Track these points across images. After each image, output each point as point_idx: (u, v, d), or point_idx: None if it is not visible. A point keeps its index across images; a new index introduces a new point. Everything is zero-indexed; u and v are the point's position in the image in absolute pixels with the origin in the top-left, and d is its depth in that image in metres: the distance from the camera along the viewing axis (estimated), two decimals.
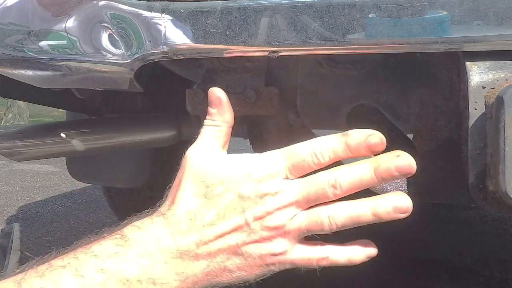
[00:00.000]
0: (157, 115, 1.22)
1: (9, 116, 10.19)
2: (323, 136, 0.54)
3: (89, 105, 1.25)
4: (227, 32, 0.63)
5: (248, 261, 0.54)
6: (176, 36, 0.65)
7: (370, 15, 0.58)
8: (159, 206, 0.57)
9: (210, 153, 0.58)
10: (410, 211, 0.52)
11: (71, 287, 0.49)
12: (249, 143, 0.78)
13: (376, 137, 0.52)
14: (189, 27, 0.64)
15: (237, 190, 0.53)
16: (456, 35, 0.58)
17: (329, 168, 0.54)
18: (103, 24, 0.69)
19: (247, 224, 0.53)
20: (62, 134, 1.08)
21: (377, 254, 0.58)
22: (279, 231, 0.53)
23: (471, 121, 0.59)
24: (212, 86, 0.80)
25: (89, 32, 0.70)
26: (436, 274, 1.72)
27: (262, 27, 0.62)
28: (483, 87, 0.59)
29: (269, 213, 0.53)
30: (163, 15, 0.65)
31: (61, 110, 1.40)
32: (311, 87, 0.74)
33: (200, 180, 0.55)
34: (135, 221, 0.55)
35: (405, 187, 0.69)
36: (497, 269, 1.78)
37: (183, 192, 0.55)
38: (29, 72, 0.77)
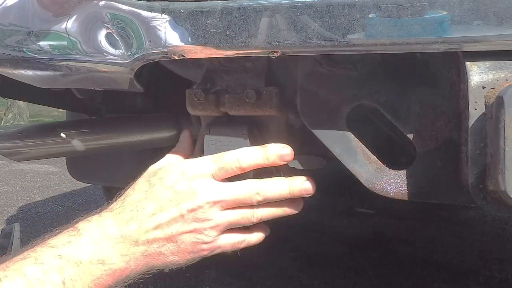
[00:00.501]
0: (157, 115, 1.21)
1: (9, 116, 10.20)
2: (247, 147, 0.71)
3: (89, 105, 1.24)
4: (227, 32, 0.63)
5: (181, 247, 0.64)
6: (176, 36, 0.65)
7: (370, 15, 0.58)
8: (109, 204, 0.68)
9: (166, 158, 0.74)
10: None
11: (33, 272, 0.56)
12: (249, 144, 0.78)
13: (287, 149, 0.70)
14: (189, 27, 0.64)
15: (173, 186, 0.65)
16: (456, 35, 0.58)
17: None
18: (103, 24, 0.69)
19: (182, 215, 0.64)
20: (62, 134, 1.08)
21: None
22: (210, 223, 0.64)
23: (471, 121, 0.59)
24: (212, 86, 0.80)
25: (89, 32, 0.70)
26: (436, 274, 1.72)
27: (262, 27, 0.62)
28: (483, 87, 0.59)
29: (200, 207, 0.64)
30: (163, 15, 0.65)
31: (61, 110, 1.40)
32: (311, 87, 0.74)
33: (146, 180, 0.68)
34: (84, 217, 0.66)
35: (405, 187, 0.69)
36: (497, 269, 1.78)
37: (131, 190, 0.68)
38: (29, 72, 0.77)
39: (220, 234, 0.66)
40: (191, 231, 0.64)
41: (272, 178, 0.69)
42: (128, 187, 0.69)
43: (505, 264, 1.83)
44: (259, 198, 0.67)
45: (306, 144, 0.90)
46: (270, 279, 1.71)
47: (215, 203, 0.64)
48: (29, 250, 0.60)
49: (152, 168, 0.71)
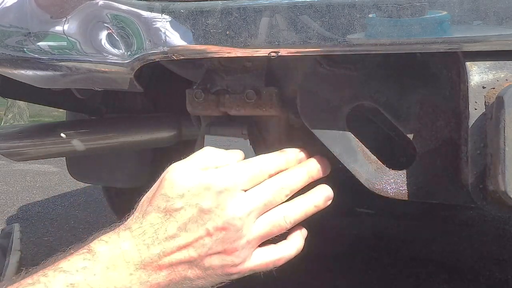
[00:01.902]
0: (157, 115, 1.22)
1: (9, 116, 10.20)
2: (267, 154, 0.66)
3: (89, 105, 1.25)
4: (227, 32, 0.63)
5: (209, 271, 0.58)
6: (176, 36, 0.65)
7: (370, 15, 0.58)
8: (127, 217, 0.60)
9: (185, 166, 0.62)
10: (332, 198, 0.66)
11: None
12: (249, 144, 0.78)
13: (303, 153, 0.68)
14: (189, 27, 0.64)
15: (197, 204, 0.57)
16: (456, 35, 0.58)
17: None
18: (103, 24, 0.69)
19: (209, 235, 0.56)
20: (62, 134, 1.08)
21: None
22: (241, 242, 0.57)
23: (471, 121, 0.59)
24: (212, 86, 0.80)
25: (89, 32, 0.70)
26: (436, 274, 1.72)
27: (262, 27, 0.62)
28: (483, 87, 0.59)
29: (231, 224, 0.56)
30: (163, 15, 0.65)
31: (61, 110, 1.40)
32: (311, 87, 0.74)
33: (162, 194, 0.58)
34: (102, 235, 0.58)
35: (405, 187, 0.69)
36: (497, 269, 1.78)
37: (150, 205, 0.59)
38: (29, 72, 0.77)
39: (251, 254, 0.59)
40: (219, 253, 0.57)
41: (286, 170, 0.65)
42: (146, 198, 0.61)
43: (505, 264, 1.83)
44: (286, 192, 0.61)
45: (306, 144, 0.90)
46: (270, 279, 1.71)
47: (247, 215, 0.57)
48: (40, 273, 0.54)
49: (171, 175, 0.60)
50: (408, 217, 2.40)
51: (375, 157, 0.72)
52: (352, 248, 2.02)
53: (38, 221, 2.65)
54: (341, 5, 0.59)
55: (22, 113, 10.37)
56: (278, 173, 0.63)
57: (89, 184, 2.97)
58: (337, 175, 0.73)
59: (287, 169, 0.64)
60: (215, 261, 0.57)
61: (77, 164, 1.47)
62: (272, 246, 0.62)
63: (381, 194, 0.71)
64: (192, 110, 0.80)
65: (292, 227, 0.63)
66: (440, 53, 0.64)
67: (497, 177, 0.54)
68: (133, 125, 1.15)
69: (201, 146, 0.80)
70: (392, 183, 0.70)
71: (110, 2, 0.68)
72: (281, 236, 0.63)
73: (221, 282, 0.60)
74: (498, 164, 0.54)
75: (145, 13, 0.66)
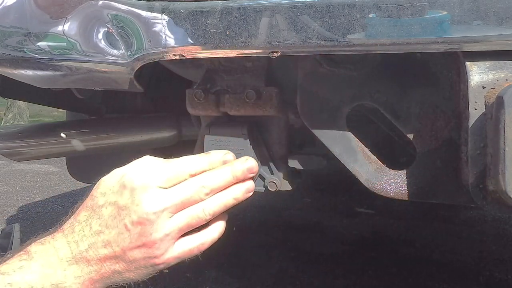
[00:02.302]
0: (157, 115, 1.22)
1: (9, 116, 10.20)
2: (190, 156, 0.67)
3: (89, 105, 1.25)
4: (227, 32, 0.63)
5: (134, 264, 0.61)
6: (176, 36, 0.65)
7: (370, 15, 0.58)
8: (62, 223, 0.64)
9: (115, 170, 0.66)
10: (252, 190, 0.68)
11: None
12: (249, 144, 0.78)
13: (230, 155, 0.68)
14: (189, 27, 0.64)
15: (116, 201, 0.61)
16: (456, 35, 0.58)
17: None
18: (103, 24, 0.68)
19: (127, 230, 0.60)
20: (62, 134, 1.09)
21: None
22: (158, 235, 0.60)
23: (471, 121, 0.59)
24: (212, 86, 0.80)
25: (89, 32, 0.70)
26: (436, 274, 1.72)
27: (262, 27, 0.62)
28: (483, 87, 0.59)
29: (146, 219, 0.59)
30: (163, 15, 0.65)
31: (61, 110, 1.40)
32: (311, 87, 0.74)
33: (90, 194, 0.64)
34: (38, 239, 0.62)
35: (405, 187, 0.69)
36: (497, 269, 1.78)
37: (81, 206, 0.63)
38: (29, 72, 0.77)
39: (172, 245, 0.62)
40: (139, 246, 0.60)
41: (212, 169, 0.66)
42: (80, 202, 0.65)
43: (505, 264, 1.83)
44: (206, 191, 0.63)
45: (306, 144, 0.90)
46: (270, 279, 1.71)
47: (162, 211, 0.60)
48: None
49: (102, 178, 0.65)
50: (408, 217, 2.40)
51: (375, 157, 0.72)
52: (352, 248, 2.02)
53: (38, 221, 2.65)
54: (341, 5, 0.59)
55: (22, 113, 10.37)
56: (200, 173, 0.65)
57: (89, 184, 2.97)
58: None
59: (209, 169, 0.66)
60: (137, 254, 0.60)
61: (77, 164, 1.48)
62: (193, 234, 0.65)
63: (381, 194, 0.71)
64: (192, 110, 0.80)
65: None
66: (440, 53, 0.64)
67: (497, 177, 0.54)
68: (133, 125, 1.15)
69: (201, 146, 0.81)
70: (392, 183, 0.70)
71: (110, 2, 0.68)
72: (205, 226, 0.67)
73: (150, 274, 0.63)
74: (498, 164, 0.54)
75: (145, 13, 0.66)
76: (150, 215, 0.59)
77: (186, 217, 0.62)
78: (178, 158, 0.66)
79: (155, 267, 0.62)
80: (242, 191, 0.67)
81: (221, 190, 0.65)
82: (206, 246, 0.66)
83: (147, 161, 0.66)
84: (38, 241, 0.61)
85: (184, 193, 0.62)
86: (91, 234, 0.60)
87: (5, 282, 0.55)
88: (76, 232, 0.60)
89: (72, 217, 0.63)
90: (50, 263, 0.58)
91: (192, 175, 0.64)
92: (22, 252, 0.59)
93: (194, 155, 0.68)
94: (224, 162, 0.67)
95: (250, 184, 0.68)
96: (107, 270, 0.60)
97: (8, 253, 0.60)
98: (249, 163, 0.68)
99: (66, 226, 0.62)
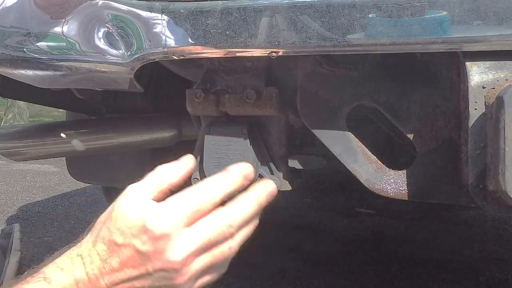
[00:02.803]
0: (157, 115, 1.22)
1: (9, 116, 10.20)
2: (210, 179, 0.61)
3: (89, 105, 1.25)
4: (227, 32, 0.63)
5: None
6: (176, 36, 0.65)
7: (370, 15, 0.58)
8: (82, 239, 0.61)
9: (133, 196, 0.62)
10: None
11: None
12: (249, 144, 0.78)
13: (248, 167, 0.63)
14: (189, 27, 0.64)
15: (135, 246, 0.58)
16: (456, 35, 0.58)
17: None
18: (103, 24, 0.68)
19: (149, 274, 0.58)
20: (62, 134, 1.08)
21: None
22: (183, 278, 0.58)
23: (471, 121, 0.59)
24: (212, 86, 0.80)
25: (89, 32, 0.70)
26: (436, 274, 1.72)
27: (262, 27, 0.62)
28: (483, 87, 0.59)
29: (170, 267, 0.57)
30: (163, 15, 0.65)
31: (61, 110, 1.40)
32: (311, 87, 0.74)
33: (107, 226, 0.60)
34: (57, 257, 0.60)
35: (405, 187, 0.69)
36: (497, 269, 1.78)
37: (99, 235, 0.60)
38: (29, 72, 0.77)
39: (194, 282, 0.60)
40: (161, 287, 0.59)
41: (235, 199, 0.62)
42: (99, 221, 0.62)
43: (505, 264, 1.83)
44: (233, 230, 0.60)
45: (306, 144, 0.90)
46: (270, 279, 1.71)
47: (187, 257, 0.57)
48: None
49: (118, 206, 0.61)
50: (408, 217, 2.40)
51: (375, 157, 0.72)
52: (352, 248, 2.02)
53: (38, 221, 2.65)
54: (341, 5, 0.59)
55: (22, 113, 10.37)
56: (225, 197, 0.61)
57: (89, 184, 2.97)
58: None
59: (235, 190, 0.62)
60: None
61: (77, 164, 1.47)
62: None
63: (381, 194, 0.71)
64: (192, 110, 0.80)
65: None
66: (440, 53, 0.64)
67: (497, 177, 0.54)
68: (133, 125, 1.15)
69: (201, 146, 0.81)
70: (392, 183, 0.70)
71: (110, 2, 0.68)
72: None
73: None
74: (498, 164, 0.54)
75: (145, 13, 0.66)
76: (175, 264, 0.57)
77: (211, 257, 0.59)
78: (199, 184, 0.61)
79: None
80: (260, 214, 0.64)
81: (247, 223, 0.62)
82: (218, 276, 0.64)
83: (169, 173, 0.63)
84: (57, 264, 0.59)
85: (210, 235, 0.59)
86: (111, 270, 0.58)
87: None
88: (96, 264, 0.58)
89: (91, 243, 0.60)
90: None
91: (216, 204, 0.60)
92: (41, 278, 0.57)
93: (215, 177, 0.62)
94: (245, 177, 0.63)
95: (264, 205, 0.65)
96: None
97: (26, 272, 0.59)
98: (270, 186, 0.64)
99: (85, 253, 0.59)
